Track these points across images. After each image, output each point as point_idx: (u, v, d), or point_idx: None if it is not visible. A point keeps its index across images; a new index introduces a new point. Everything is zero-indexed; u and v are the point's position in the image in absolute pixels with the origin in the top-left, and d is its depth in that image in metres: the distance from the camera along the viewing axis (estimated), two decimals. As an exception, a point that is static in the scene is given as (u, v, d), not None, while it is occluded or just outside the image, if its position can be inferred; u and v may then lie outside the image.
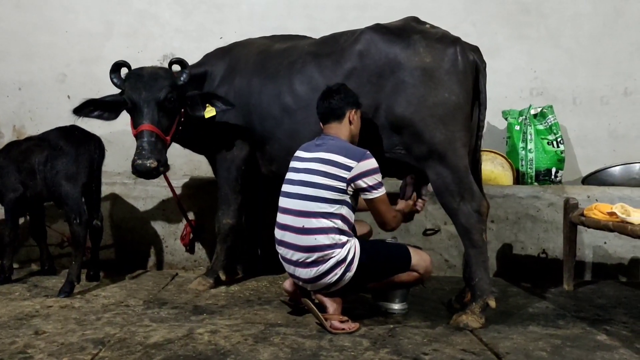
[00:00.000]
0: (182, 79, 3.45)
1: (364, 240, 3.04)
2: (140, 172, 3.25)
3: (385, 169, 3.28)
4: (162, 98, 3.33)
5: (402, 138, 3.10)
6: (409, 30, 3.15)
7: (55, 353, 2.47)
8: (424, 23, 3.25)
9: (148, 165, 3.22)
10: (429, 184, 3.24)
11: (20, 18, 5.01)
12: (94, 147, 3.74)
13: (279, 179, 3.08)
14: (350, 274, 2.84)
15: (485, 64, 3.17)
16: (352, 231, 2.96)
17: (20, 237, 3.97)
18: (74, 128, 3.75)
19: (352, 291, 2.97)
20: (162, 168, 3.32)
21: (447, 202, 3.04)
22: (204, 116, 3.46)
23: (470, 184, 3.01)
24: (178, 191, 4.27)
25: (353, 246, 2.87)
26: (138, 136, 3.30)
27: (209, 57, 3.91)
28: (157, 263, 4.33)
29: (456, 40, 3.11)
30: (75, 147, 3.62)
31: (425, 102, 3.01)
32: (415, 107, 3.02)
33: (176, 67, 3.51)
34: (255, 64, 3.62)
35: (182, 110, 3.49)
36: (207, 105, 3.47)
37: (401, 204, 3.19)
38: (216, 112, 3.46)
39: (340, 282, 2.85)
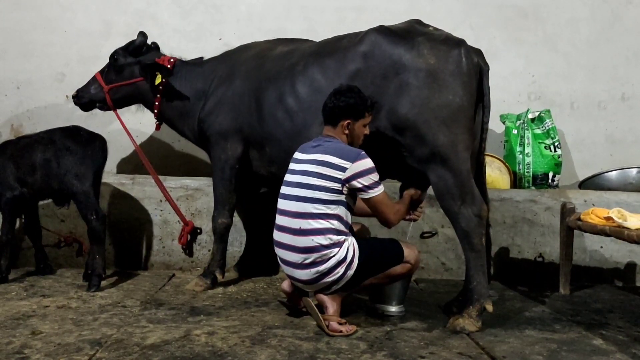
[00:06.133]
0: (134, 43, 3.98)
1: (359, 238, 3.05)
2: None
3: (387, 171, 3.29)
4: (111, 55, 4.06)
5: (405, 140, 3.09)
6: (413, 32, 3.15)
7: (52, 353, 2.46)
8: (427, 25, 3.25)
9: (72, 95, 4.17)
10: (428, 188, 3.25)
11: (19, 17, 5.00)
12: (100, 146, 3.80)
13: (280, 181, 3.08)
14: (351, 272, 2.86)
15: (489, 66, 3.17)
16: (350, 230, 2.97)
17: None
18: (78, 128, 3.82)
19: (350, 288, 2.97)
20: (75, 100, 4.14)
21: (448, 205, 3.03)
22: (154, 82, 3.89)
23: (471, 187, 3.01)
24: (177, 192, 4.28)
25: (351, 244, 2.88)
26: None
27: (211, 58, 4.01)
28: (154, 264, 4.32)
29: (460, 43, 3.11)
30: (83, 147, 3.70)
31: (429, 104, 3.01)
32: (419, 109, 3.02)
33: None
34: (257, 66, 3.65)
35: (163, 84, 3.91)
36: (157, 73, 3.89)
37: (409, 191, 3.17)
38: (162, 79, 3.87)
39: (341, 280, 2.87)
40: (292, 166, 3.02)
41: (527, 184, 4.69)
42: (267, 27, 4.84)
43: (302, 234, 2.85)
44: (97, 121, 4.73)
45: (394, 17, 3.57)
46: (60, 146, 3.66)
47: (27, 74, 5.00)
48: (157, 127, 4.15)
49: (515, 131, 4.77)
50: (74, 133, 3.77)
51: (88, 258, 3.84)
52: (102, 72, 4.08)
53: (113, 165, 4.86)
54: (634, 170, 4.67)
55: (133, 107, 4.24)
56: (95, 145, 3.77)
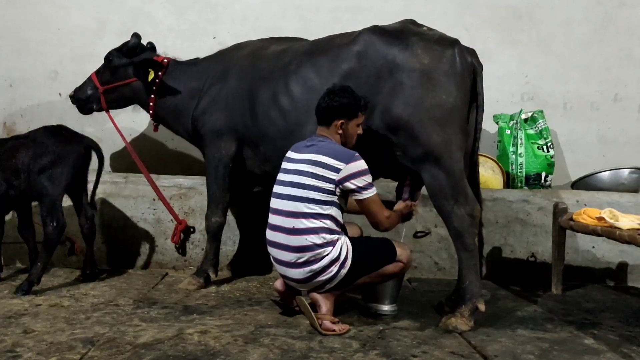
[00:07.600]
0: (128, 44, 3.98)
1: (352, 237, 3.06)
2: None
3: (381, 170, 3.30)
4: (106, 56, 4.05)
5: (398, 139, 3.09)
6: (407, 32, 3.16)
7: (44, 352, 2.46)
8: (421, 25, 3.25)
9: (69, 95, 4.18)
10: (422, 188, 3.25)
11: (12, 14, 4.98)
12: (82, 148, 3.72)
13: (274, 180, 3.08)
14: (344, 271, 2.87)
15: (482, 66, 3.18)
16: (343, 229, 2.98)
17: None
18: (61, 128, 3.75)
19: (344, 287, 2.98)
20: (73, 100, 4.14)
21: (441, 205, 3.04)
22: (147, 79, 3.90)
23: (464, 187, 3.02)
24: (170, 191, 4.27)
25: (344, 243, 2.89)
26: None
27: (205, 57, 4.01)
28: (147, 262, 4.31)
29: (454, 42, 3.12)
30: (61, 147, 3.58)
31: (422, 104, 3.01)
32: (413, 109, 3.02)
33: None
34: (251, 65, 3.66)
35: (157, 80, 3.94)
36: (150, 70, 3.91)
37: (399, 205, 3.20)
38: (154, 74, 3.89)
39: (334, 279, 2.88)
40: (286, 165, 3.02)
41: (519, 184, 4.70)
42: (262, 27, 4.83)
43: (296, 233, 2.85)
44: (91, 119, 4.71)
45: (389, 18, 3.56)
46: (38, 145, 3.53)
47: (20, 71, 4.98)
48: (155, 129, 4.14)
49: (508, 131, 4.79)
50: (55, 132, 3.67)
51: (85, 258, 3.84)
52: (97, 72, 4.08)
53: (107, 164, 4.83)
54: (626, 171, 4.69)
55: (129, 106, 4.24)
56: (76, 146, 3.66)
